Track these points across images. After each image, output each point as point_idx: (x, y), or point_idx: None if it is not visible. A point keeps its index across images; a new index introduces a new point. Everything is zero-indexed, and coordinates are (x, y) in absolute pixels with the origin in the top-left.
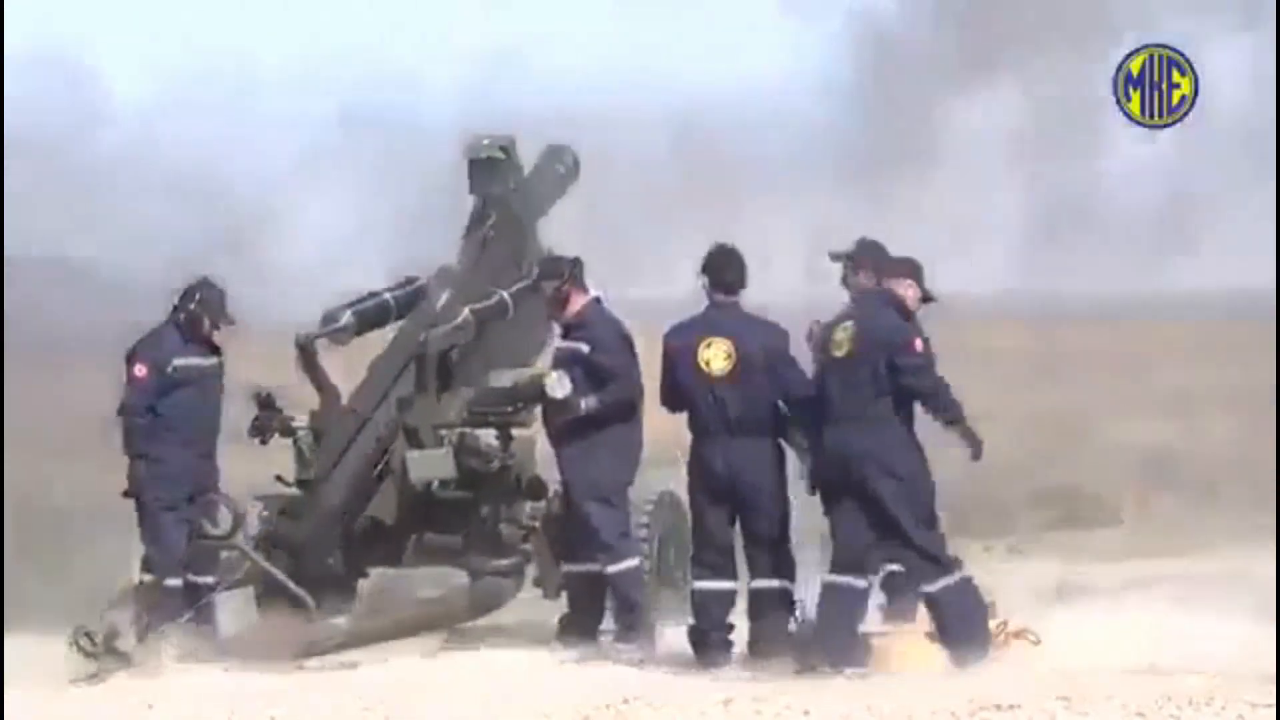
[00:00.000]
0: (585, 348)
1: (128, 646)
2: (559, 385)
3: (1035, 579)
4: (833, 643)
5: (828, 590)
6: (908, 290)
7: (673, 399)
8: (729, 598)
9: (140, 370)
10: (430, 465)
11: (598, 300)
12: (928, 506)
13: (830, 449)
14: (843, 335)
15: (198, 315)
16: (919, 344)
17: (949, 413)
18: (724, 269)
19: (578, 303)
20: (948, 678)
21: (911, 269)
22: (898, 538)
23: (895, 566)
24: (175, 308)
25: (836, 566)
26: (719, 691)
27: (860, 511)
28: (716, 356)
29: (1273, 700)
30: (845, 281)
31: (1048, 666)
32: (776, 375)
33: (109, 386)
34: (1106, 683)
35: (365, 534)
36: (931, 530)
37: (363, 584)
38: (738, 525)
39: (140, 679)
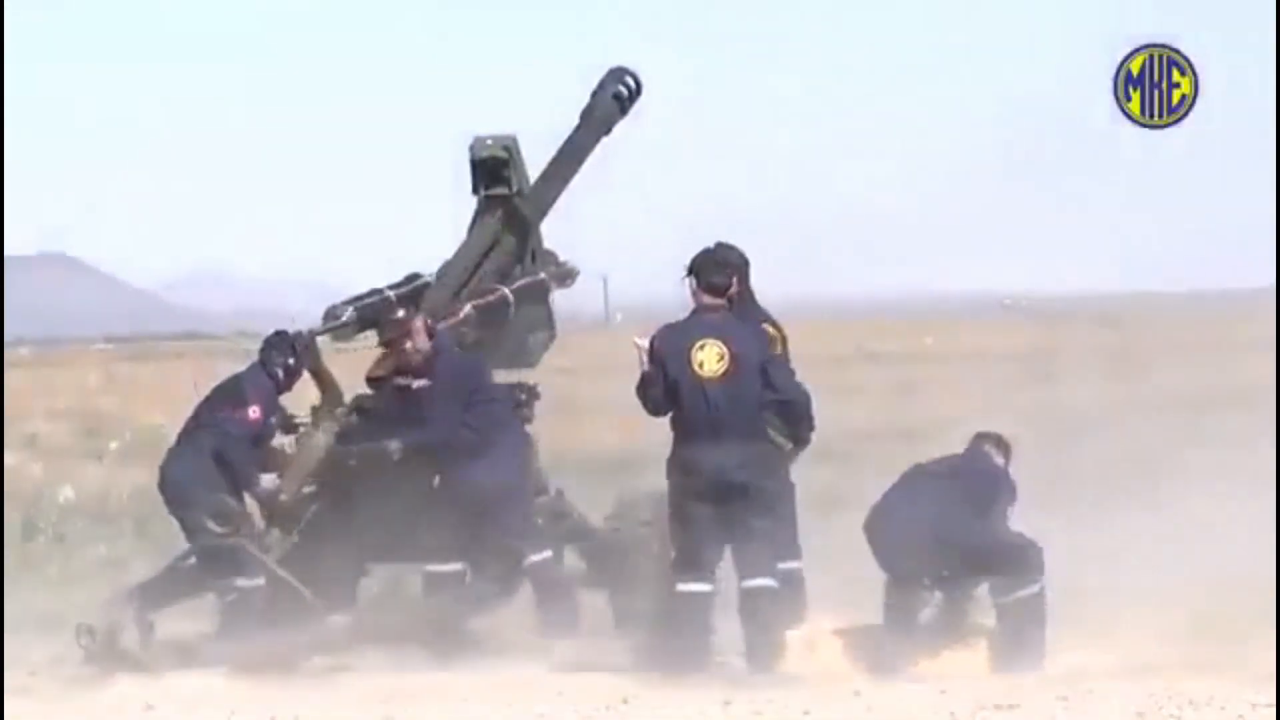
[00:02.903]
0: None
1: (129, 645)
2: None
3: None
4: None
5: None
6: None
7: (664, 401)
8: (710, 600)
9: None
10: None
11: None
12: None
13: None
14: None
15: (290, 367)
16: None
17: None
18: (710, 271)
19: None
20: (948, 678)
21: None
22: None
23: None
24: (271, 359)
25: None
26: (718, 692)
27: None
28: (710, 358)
29: (1273, 700)
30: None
31: (1048, 666)
32: (767, 376)
33: None
34: (1106, 683)
35: None
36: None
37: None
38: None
39: (140, 680)
